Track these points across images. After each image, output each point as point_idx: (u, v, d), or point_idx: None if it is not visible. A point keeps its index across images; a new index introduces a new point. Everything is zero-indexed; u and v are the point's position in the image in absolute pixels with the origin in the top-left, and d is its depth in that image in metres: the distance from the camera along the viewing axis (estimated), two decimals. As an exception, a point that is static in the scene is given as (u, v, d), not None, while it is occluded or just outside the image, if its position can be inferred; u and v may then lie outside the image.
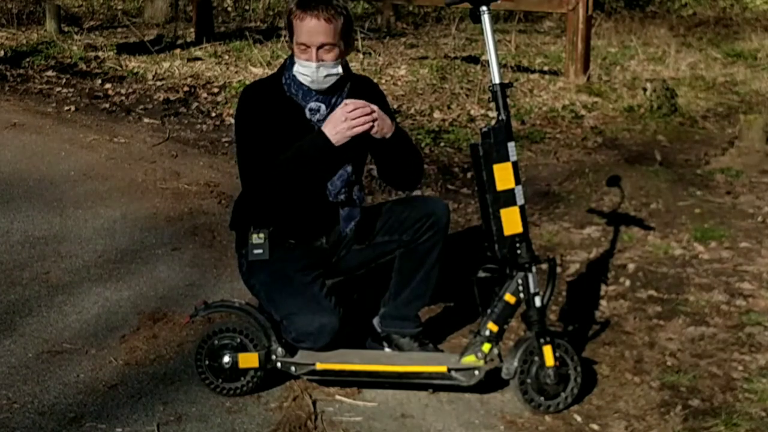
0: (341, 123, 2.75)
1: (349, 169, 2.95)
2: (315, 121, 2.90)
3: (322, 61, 2.81)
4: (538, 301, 2.76)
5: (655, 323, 3.46)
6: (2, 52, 8.19)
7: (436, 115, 6.54)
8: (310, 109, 2.90)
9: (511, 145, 2.69)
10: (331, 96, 2.91)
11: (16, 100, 6.81)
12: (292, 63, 2.89)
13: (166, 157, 5.49)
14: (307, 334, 2.84)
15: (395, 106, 6.58)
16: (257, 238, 2.96)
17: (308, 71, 2.83)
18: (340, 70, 2.86)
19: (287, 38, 2.91)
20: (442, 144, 5.87)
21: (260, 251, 2.95)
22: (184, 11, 11.02)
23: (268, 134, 2.87)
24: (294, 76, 2.89)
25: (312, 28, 2.78)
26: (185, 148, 5.73)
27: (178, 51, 8.28)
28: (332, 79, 2.86)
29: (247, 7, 11.52)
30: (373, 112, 2.78)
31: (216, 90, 7.07)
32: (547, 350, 2.76)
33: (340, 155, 2.83)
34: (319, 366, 2.83)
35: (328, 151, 2.78)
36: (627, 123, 6.48)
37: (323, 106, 2.90)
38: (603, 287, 3.77)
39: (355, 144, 2.86)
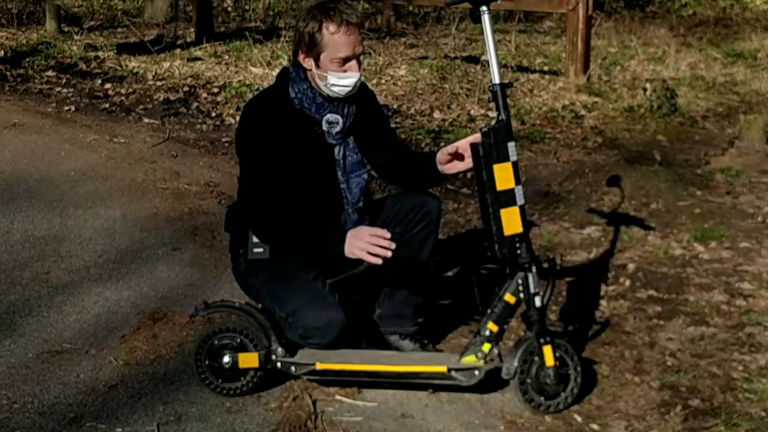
0: (361, 247, 2.69)
1: (365, 176, 2.97)
2: (333, 134, 2.88)
3: (360, 68, 2.81)
4: (538, 301, 2.76)
5: (655, 323, 3.46)
6: (2, 52, 8.19)
7: (436, 115, 6.54)
8: (329, 122, 2.87)
9: (511, 145, 2.69)
10: (344, 106, 2.88)
11: (16, 100, 6.81)
12: (301, 76, 2.84)
13: (166, 157, 5.49)
14: (314, 330, 2.83)
15: (395, 106, 6.59)
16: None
17: (350, 82, 2.79)
18: None
19: (302, 50, 2.81)
20: (442, 144, 5.86)
21: (260, 250, 2.94)
22: (184, 11, 11.02)
23: (277, 153, 2.83)
24: (306, 89, 2.84)
25: (353, 40, 2.75)
26: (185, 148, 5.73)
27: (178, 51, 8.28)
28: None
29: (247, 7, 11.52)
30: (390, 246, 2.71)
31: (216, 90, 7.07)
32: (547, 350, 2.76)
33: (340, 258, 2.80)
34: (319, 366, 2.83)
35: (334, 252, 2.76)
36: (627, 123, 6.48)
37: (340, 118, 2.88)
38: (603, 287, 3.77)
39: (365, 152, 2.88)
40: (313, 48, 2.78)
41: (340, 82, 2.79)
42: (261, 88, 6.91)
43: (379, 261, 2.70)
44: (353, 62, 2.78)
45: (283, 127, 2.84)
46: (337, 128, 2.88)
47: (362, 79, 2.86)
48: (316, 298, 2.87)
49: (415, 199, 3.03)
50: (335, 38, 2.74)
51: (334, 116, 2.87)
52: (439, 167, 2.88)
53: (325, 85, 2.81)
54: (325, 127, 2.87)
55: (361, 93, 2.96)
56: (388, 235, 2.71)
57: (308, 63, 2.82)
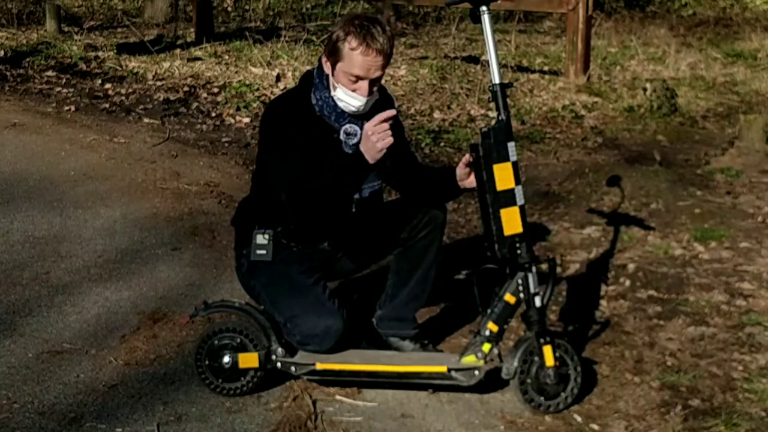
0: (377, 148, 2.65)
1: (377, 186, 2.96)
2: (351, 145, 2.85)
3: (371, 93, 2.78)
4: (538, 301, 2.76)
5: (655, 323, 3.46)
6: (2, 52, 8.18)
7: (436, 115, 6.54)
8: (347, 133, 2.85)
9: (511, 145, 2.69)
10: (364, 118, 2.84)
11: (16, 100, 6.80)
12: (324, 83, 2.82)
13: (166, 157, 5.49)
14: (311, 337, 2.84)
15: (395, 106, 6.58)
16: (262, 238, 2.93)
17: (355, 104, 2.77)
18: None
19: (326, 53, 2.79)
20: (442, 144, 5.88)
21: (263, 252, 2.93)
22: (184, 11, 11.02)
23: (301, 149, 2.79)
24: (327, 98, 2.81)
25: (369, 63, 2.72)
26: (185, 148, 5.73)
27: (178, 51, 8.27)
28: (371, 103, 2.82)
29: (247, 7, 11.51)
30: (388, 119, 2.67)
31: (216, 90, 7.06)
32: (547, 350, 2.76)
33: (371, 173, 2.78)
34: (319, 366, 2.83)
35: (366, 170, 2.72)
36: (627, 123, 6.48)
37: (358, 129, 2.84)
38: (603, 287, 3.77)
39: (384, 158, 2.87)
40: (333, 54, 2.77)
41: (346, 98, 2.77)
42: (261, 88, 7.00)
43: (392, 140, 2.65)
44: (364, 83, 2.74)
45: (302, 130, 2.80)
46: (355, 140, 2.84)
47: (373, 101, 2.81)
48: (315, 304, 2.87)
49: (420, 205, 3.03)
50: (353, 54, 2.71)
51: (353, 127, 2.84)
52: (460, 183, 2.92)
53: (334, 95, 2.80)
54: (342, 137, 2.85)
55: (382, 101, 2.91)
56: (385, 115, 2.65)
57: (327, 67, 2.81)
